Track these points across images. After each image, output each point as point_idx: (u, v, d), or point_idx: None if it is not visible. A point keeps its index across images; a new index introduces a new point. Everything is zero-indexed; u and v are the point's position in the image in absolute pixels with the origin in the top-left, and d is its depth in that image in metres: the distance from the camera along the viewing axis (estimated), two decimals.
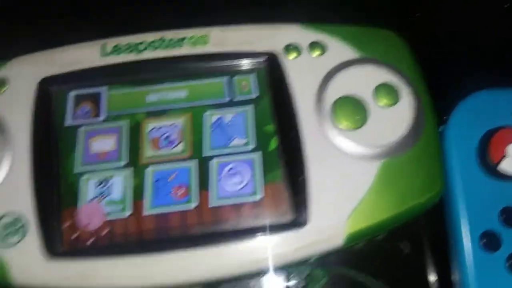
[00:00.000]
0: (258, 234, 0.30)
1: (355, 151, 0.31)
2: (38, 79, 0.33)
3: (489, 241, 0.32)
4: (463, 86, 0.35)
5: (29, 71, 0.33)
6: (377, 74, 0.33)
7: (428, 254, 0.35)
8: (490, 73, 0.36)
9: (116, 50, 0.33)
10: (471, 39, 0.39)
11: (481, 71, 0.37)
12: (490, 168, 0.32)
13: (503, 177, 0.32)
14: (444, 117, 0.34)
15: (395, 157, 0.31)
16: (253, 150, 0.32)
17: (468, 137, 0.34)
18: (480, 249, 0.32)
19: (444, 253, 0.33)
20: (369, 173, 0.31)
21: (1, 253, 0.30)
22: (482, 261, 0.32)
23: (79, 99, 0.33)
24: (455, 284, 0.33)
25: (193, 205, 0.31)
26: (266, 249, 0.30)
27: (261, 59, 0.33)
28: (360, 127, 0.32)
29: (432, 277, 0.35)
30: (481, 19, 0.40)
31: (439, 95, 0.34)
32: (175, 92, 0.33)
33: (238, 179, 0.32)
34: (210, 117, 0.33)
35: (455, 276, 0.33)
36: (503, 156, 0.32)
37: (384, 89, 0.32)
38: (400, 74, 0.33)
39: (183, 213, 0.31)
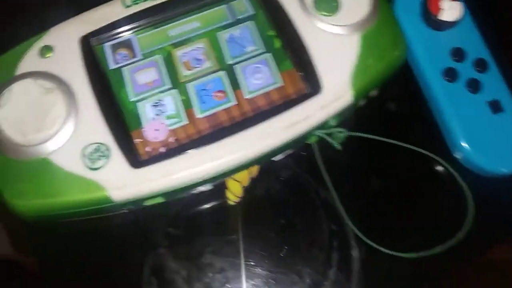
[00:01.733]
0: (289, 108, 0.38)
1: (340, 31, 0.39)
2: (78, 38, 0.38)
3: (449, 75, 0.42)
4: None
5: (68, 34, 0.38)
6: None
7: (409, 106, 0.45)
8: None
9: (135, 0, 0.40)
10: None
11: None
12: (433, 21, 0.42)
13: (444, 25, 0.42)
14: None
15: (368, 28, 0.39)
16: (263, 52, 0.39)
17: (412, 4, 0.44)
18: (444, 82, 0.42)
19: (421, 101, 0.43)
20: (354, 44, 0.39)
21: (94, 177, 0.35)
22: (448, 91, 0.42)
23: (115, 47, 0.39)
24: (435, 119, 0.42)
25: (232, 102, 0.38)
26: (299, 116, 0.37)
27: None
28: (338, 11, 0.40)
29: (415, 121, 0.44)
30: None
31: None
32: (190, 24, 0.40)
33: (260, 74, 0.39)
34: (223, 35, 0.40)
35: (434, 112, 0.43)
36: (439, 9, 0.42)
37: None
38: None
39: (227, 109, 0.38)
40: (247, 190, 0.40)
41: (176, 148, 0.36)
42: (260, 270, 0.40)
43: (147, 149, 0.36)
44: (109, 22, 0.39)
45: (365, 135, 0.41)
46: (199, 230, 0.41)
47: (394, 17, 0.41)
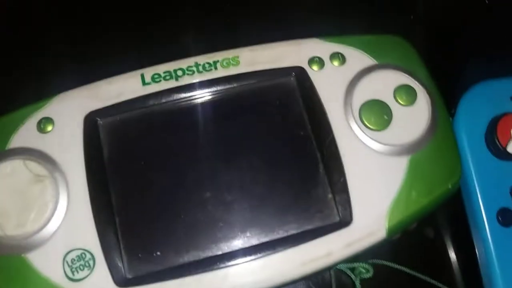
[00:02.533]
0: (309, 239, 0.31)
1: (386, 150, 0.33)
2: (84, 114, 0.33)
3: (504, 217, 0.35)
4: (461, 80, 0.38)
5: (73, 107, 0.33)
6: (394, 77, 0.34)
7: (450, 238, 0.38)
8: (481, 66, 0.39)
9: (156, 78, 0.34)
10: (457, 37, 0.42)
11: (473, 65, 0.40)
12: (499, 151, 0.35)
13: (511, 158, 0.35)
14: (452, 111, 0.37)
15: (420, 151, 0.33)
16: None
17: (475, 125, 0.36)
18: (498, 225, 0.35)
19: (465, 235, 0.37)
20: (400, 168, 0.32)
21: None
22: (500, 236, 0.35)
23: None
24: (478, 262, 0.36)
25: None
26: (320, 251, 0.31)
27: (291, 73, 0.35)
28: (387, 127, 0.33)
29: (455, 258, 0.38)
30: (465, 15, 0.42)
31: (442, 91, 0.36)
32: None
33: None
34: None
35: (478, 253, 0.36)
36: (510, 139, 0.35)
37: (403, 90, 0.34)
38: (413, 75, 0.35)
39: None
40: None
41: (170, 271, 0.31)
42: None
43: (137, 266, 0.31)
44: (122, 100, 0.33)
45: (392, 265, 0.36)
46: None
47: (454, 140, 0.35)
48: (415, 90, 0.34)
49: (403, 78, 0.34)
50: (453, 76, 0.38)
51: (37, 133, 0.32)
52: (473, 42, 0.41)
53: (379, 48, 0.35)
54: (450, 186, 0.33)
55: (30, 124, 0.32)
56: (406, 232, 0.34)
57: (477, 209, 0.35)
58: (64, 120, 0.33)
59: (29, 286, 0.30)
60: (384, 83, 0.34)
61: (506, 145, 0.34)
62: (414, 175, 0.33)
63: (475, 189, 0.35)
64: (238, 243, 0.31)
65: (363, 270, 0.33)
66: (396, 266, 0.35)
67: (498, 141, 0.34)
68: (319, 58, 0.34)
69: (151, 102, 0.33)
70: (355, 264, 0.34)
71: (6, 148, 0.32)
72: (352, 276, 0.34)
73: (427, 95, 0.34)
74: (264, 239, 0.32)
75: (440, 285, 0.35)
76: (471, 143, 0.35)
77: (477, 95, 0.36)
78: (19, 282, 0.30)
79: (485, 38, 0.40)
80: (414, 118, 0.33)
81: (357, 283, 0.33)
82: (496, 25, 0.41)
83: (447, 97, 0.36)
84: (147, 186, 0.32)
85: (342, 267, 0.33)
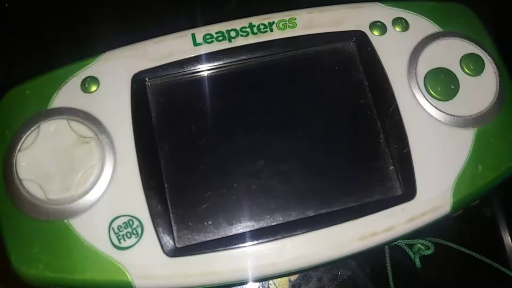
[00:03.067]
0: (369, 212, 0.29)
1: (452, 121, 0.30)
2: (131, 75, 0.31)
3: None
4: None
5: (120, 67, 0.30)
6: (461, 46, 0.32)
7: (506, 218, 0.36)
8: None
9: (208, 39, 0.32)
10: None
11: None
12: None
13: None
14: None
15: (487, 124, 0.31)
16: None
17: None
18: None
19: None
20: (466, 141, 0.30)
21: (119, 258, 0.28)
22: None
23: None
24: None
25: None
26: (380, 225, 0.29)
27: (351, 38, 0.33)
28: (454, 97, 0.31)
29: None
30: None
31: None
32: None
33: None
34: None
35: None
36: None
37: (470, 59, 0.32)
38: (480, 45, 0.33)
39: None
40: (294, 286, 0.33)
41: (222, 241, 0.29)
42: None
43: (187, 235, 0.29)
44: (172, 60, 0.31)
45: (449, 244, 0.33)
46: None
47: None
48: (482, 60, 0.32)
49: (470, 47, 0.32)
50: None
51: (82, 92, 0.30)
52: None
53: (444, 16, 0.33)
54: None
55: (74, 83, 0.30)
56: (466, 208, 0.32)
57: None
58: (110, 80, 0.30)
59: (73, 253, 0.28)
60: (450, 51, 0.32)
61: None
62: (480, 148, 0.30)
63: None
64: (293, 214, 0.29)
65: (423, 247, 0.31)
66: (454, 245, 0.33)
67: None
68: (381, 22, 0.32)
69: (202, 63, 0.31)
70: (414, 241, 0.31)
71: (49, 108, 0.30)
72: (411, 253, 0.31)
73: (494, 66, 0.32)
74: (321, 210, 0.29)
75: (496, 265, 0.33)
76: None
77: None
78: (62, 249, 0.28)
79: None
80: (481, 89, 0.31)
81: (417, 260, 0.31)
82: None
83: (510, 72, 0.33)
84: (198, 152, 0.30)
85: (401, 243, 0.31)
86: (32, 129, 0.29)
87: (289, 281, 0.33)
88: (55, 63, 0.31)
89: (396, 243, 0.32)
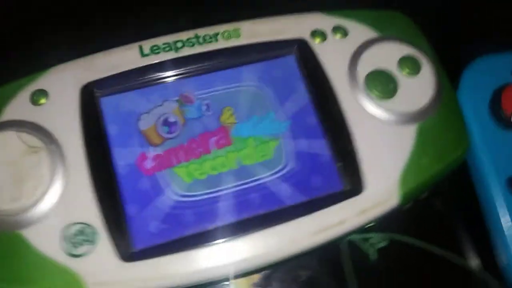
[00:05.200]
0: (321, 207, 0.30)
1: (393, 118, 0.32)
2: (79, 86, 0.31)
3: None
4: (462, 54, 0.38)
5: (69, 79, 0.31)
6: (398, 49, 0.34)
7: (459, 209, 0.38)
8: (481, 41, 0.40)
9: (155, 50, 0.32)
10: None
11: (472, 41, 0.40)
12: (504, 121, 0.35)
13: None
14: (453, 83, 0.37)
15: (427, 119, 0.32)
16: None
17: (479, 97, 0.35)
18: (507, 194, 0.34)
19: (473, 206, 0.36)
20: (409, 136, 0.32)
21: (73, 265, 0.27)
22: (510, 204, 0.34)
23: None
24: (488, 231, 0.35)
25: None
26: (333, 219, 0.30)
27: (292, 46, 0.34)
28: (393, 96, 0.33)
29: (465, 229, 0.37)
30: None
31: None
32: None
33: None
34: None
35: (488, 223, 0.35)
36: None
37: (407, 60, 0.33)
38: (416, 47, 0.35)
39: None
40: None
41: (178, 242, 0.29)
42: None
43: (142, 239, 0.29)
44: (120, 71, 0.32)
45: (404, 239, 0.34)
46: None
47: (459, 109, 0.34)
48: (419, 60, 0.33)
49: (407, 49, 0.34)
50: (451, 53, 0.38)
51: (31, 105, 0.30)
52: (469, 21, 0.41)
53: (381, 22, 0.35)
54: (459, 153, 0.33)
55: (23, 96, 0.30)
56: (416, 202, 0.33)
57: (486, 179, 0.34)
58: (59, 92, 0.31)
59: (26, 264, 0.27)
60: (388, 54, 0.33)
61: (511, 115, 0.34)
62: (423, 142, 0.32)
63: (483, 159, 0.34)
64: (246, 213, 0.30)
65: (376, 241, 0.32)
66: (407, 238, 0.34)
67: (503, 111, 0.34)
68: (321, 31, 0.34)
69: (150, 73, 0.32)
70: (369, 235, 0.32)
71: None
72: (366, 247, 0.32)
73: (431, 65, 0.34)
74: (273, 208, 0.30)
75: (451, 255, 0.34)
76: (476, 115, 0.35)
77: (479, 68, 0.36)
78: (14, 260, 0.28)
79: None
80: (419, 88, 0.33)
81: (372, 252, 0.32)
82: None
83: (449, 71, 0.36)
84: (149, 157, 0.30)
85: (355, 238, 0.32)
86: None
87: (252, 283, 0.33)
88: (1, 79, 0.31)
89: (350, 238, 0.33)
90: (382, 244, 0.32)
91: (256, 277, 0.32)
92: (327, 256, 0.34)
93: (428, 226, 0.36)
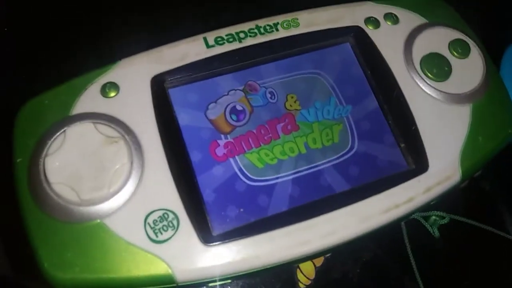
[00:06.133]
0: (390, 187, 0.31)
1: (450, 99, 0.33)
2: (149, 78, 0.31)
3: None
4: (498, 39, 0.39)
5: (138, 71, 0.31)
6: (447, 33, 0.35)
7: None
8: None
9: (219, 41, 0.33)
10: None
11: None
12: None
13: None
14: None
15: (480, 99, 0.33)
16: None
17: None
18: None
19: None
20: (465, 115, 0.32)
21: (157, 251, 0.28)
22: None
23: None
24: None
25: None
26: (400, 196, 0.31)
27: (349, 33, 0.35)
28: (448, 78, 0.34)
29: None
30: None
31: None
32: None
33: None
34: None
35: None
36: None
37: (457, 43, 0.34)
38: (463, 32, 0.36)
39: None
40: (321, 272, 0.34)
41: (255, 225, 0.30)
42: None
43: (222, 222, 0.30)
44: (186, 62, 0.32)
45: (465, 220, 0.35)
46: None
47: (506, 89, 0.35)
48: (468, 44, 0.35)
49: (455, 34, 0.35)
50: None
51: (102, 98, 0.31)
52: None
53: (427, 9, 0.36)
54: (509, 129, 0.34)
55: (93, 89, 0.31)
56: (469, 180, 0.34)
57: None
58: (129, 84, 0.31)
59: (110, 252, 0.28)
60: (438, 39, 0.35)
61: None
62: (477, 121, 0.33)
63: None
64: (317, 194, 0.30)
65: (438, 218, 0.33)
66: (467, 220, 0.35)
67: None
68: (374, 18, 0.35)
69: (216, 63, 0.32)
70: (429, 213, 0.33)
71: (70, 114, 0.30)
72: (428, 225, 0.33)
73: (478, 48, 0.35)
74: (344, 189, 0.31)
75: (503, 234, 0.35)
76: None
77: None
78: (98, 249, 0.28)
79: None
80: (470, 69, 0.34)
81: (435, 230, 0.33)
82: None
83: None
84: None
85: (417, 216, 0.33)
86: (57, 134, 0.29)
87: (315, 267, 0.33)
88: (70, 73, 0.32)
89: (413, 216, 0.33)
90: (443, 222, 0.33)
91: (320, 261, 0.33)
92: (388, 237, 0.35)
93: (477, 206, 0.37)
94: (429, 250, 0.35)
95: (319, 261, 0.34)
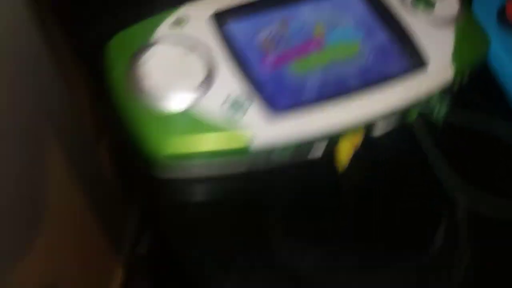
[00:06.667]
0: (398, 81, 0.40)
1: (439, 21, 0.42)
2: (210, 14, 0.40)
3: None
4: None
5: (201, 10, 0.40)
6: None
7: None
8: None
9: None
10: None
11: None
12: (508, 24, 0.47)
13: None
14: None
15: (459, 22, 0.43)
16: None
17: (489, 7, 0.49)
18: None
19: None
20: (450, 32, 0.42)
21: (234, 126, 0.36)
22: None
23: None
24: None
25: None
26: (408, 88, 0.40)
27: None
28: (434, 8, 0.44)
29: None
30: None
31: None
32: None
33: None
34: None
35: None
36: None
37: None
38: None
39: None
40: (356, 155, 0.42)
41: (317, 97, 0.38)
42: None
43: (288, 97, 0.38)
44: (239, 2, 0.41)
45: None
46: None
47: (475, 17, 0.46)
48: None
49: None
50: None
51: (174, 28, 0.39)
52: None
53: None
54: (484, 45, 0.44)
55: (167, 22, 0.40)
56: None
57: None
58: (195, 19, 0.40)
59: (198, 131, 0.36)
60: None
61: None
62: (460, 36, 0.42)
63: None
64: (348, 86, 0.40)
65: (441, 106, 0.42)
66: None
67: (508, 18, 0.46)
68: None
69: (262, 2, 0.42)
70: (433, 105, 0.42)
71: (151, 40, 0.39)
72: (432, 112, 0.42)
73: None
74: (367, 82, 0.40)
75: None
76: (486, 22, 0.46)
77: None
78: (189, 129, 0.36)
79: None
80: (448, 2, 0.45)
81: (440, 115, 0.41)
82: None
83: None
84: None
85: (423, 109, 0.42)
86: (147, 49, 0.38)
87: (355, 145, 0.41)
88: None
89: (420, 108, 0.42)
90: (445, 110, 0.42)
91: (358, 141, 0.41)
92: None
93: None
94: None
95: (357, 140, 0.41)
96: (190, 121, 0.36)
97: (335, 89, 0.39)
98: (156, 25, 0.39)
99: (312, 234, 0.40)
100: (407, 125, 0.43)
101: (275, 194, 0.41)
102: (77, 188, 0.72)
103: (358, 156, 0.41)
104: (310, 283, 0.38)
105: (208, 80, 0.37)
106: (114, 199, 0.83)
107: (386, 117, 0.40)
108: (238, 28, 0.41)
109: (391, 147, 0.43)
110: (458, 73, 0.41)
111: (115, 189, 0.81)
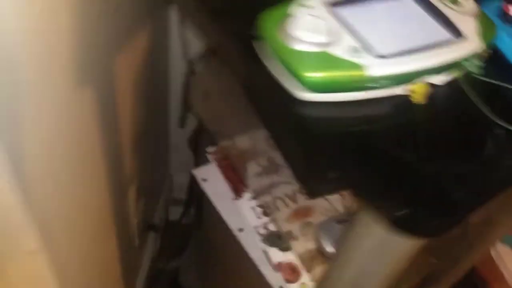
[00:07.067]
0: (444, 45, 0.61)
1: (465, 13, 0.65)
2: (328, 3, 0.61)
3: None
4: None
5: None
6: None
7: None
8: None
9: None
10: None
11: None
12: (507, 19, 0.69)
13: None
14: None
15: (476, 15, 0.66)
16: None
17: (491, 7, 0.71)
18: None
19: None
20: (473, 19, 0.64)
21: (358, 61, 0.55)
22: None
23: None
24: None
25: None
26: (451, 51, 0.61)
27: None
28: (459, 4, 0.66)
29: None
30: None
31: None
32: None
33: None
34: None
35: None
36: None
37: None
38: None
39: None
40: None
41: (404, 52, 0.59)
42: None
43: (388, 48, 0.58)
44: None
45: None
46: None
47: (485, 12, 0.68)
48: None
49: None
50: None
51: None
52: None
53: None
54: (494, 29, 0.66)
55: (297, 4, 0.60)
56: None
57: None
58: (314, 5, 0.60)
59: (332, 64, 0.55)
60: None
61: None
62: (479, 23, 0.65)
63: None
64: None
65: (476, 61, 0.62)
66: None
67: (506, 15, 0.69)
68: None
69: None
70: (470, 61, 0.63)
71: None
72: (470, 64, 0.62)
73: None
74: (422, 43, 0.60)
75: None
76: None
77: None
78: (327, 63, 0.55)
79: None
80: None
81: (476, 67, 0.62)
82: None
83: None
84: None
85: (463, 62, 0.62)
86: (293, 11, 0.57)
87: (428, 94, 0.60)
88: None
89: (462, 63, 0.63)
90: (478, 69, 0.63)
91: (427, 92, 0.60)
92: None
93: None
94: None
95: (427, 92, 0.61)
96: (326, 57, 0.55)
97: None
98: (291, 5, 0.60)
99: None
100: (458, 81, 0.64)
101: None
102: None
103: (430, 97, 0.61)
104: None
105: (331, 34, 0.57)
106: None
107: (443, 67, 0.60)
108: (349, 13, 0.61)
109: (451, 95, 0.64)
110: (483, 42, 0.63)
111: None
